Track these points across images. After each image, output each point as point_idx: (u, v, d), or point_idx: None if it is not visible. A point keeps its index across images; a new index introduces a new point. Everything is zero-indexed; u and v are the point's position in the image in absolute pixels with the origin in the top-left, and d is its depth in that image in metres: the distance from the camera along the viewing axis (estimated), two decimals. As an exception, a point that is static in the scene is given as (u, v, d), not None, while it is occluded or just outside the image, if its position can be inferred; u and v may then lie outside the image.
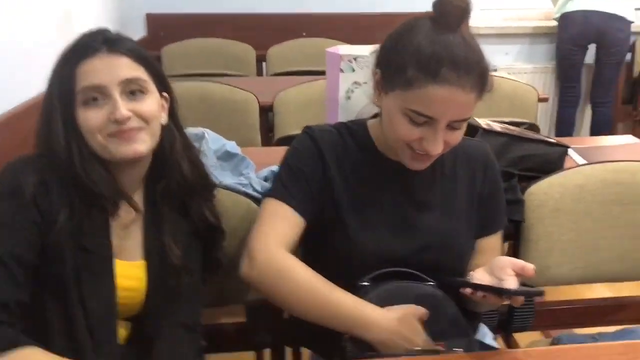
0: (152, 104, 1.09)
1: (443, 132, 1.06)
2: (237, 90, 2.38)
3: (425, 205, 1.20)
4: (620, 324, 1.63)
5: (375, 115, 1.24)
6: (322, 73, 2.88)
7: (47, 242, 1.03)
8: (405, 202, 1.20)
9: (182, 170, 1.17)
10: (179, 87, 2.31)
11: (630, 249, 1.50)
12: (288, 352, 1.54)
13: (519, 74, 3.66)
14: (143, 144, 1.08)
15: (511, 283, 0.99)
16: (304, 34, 3.64)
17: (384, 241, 1.17)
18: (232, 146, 1.54)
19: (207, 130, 1.60)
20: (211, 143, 1.53)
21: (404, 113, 1.07)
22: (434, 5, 1.07)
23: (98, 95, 1.04)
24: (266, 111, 2.45)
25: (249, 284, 1.17)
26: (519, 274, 1.01)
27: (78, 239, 1.05)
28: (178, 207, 1.19)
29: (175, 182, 1.17)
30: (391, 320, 1.06)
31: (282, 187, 1.19)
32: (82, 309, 1.05)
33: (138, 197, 1.16)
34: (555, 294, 1.82)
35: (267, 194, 1.21)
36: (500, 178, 1.28)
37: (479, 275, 1.08)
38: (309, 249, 1.26)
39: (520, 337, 1.54)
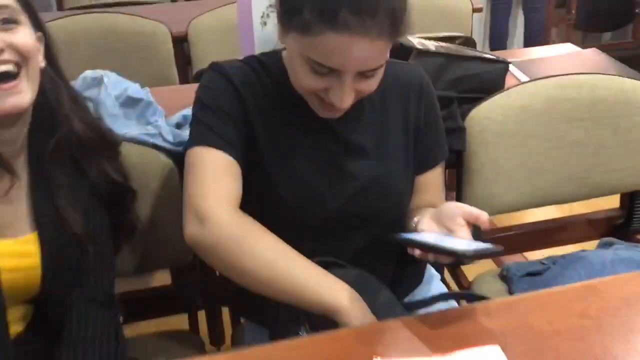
0: (27, 36, 0.92)
1: (352, 84, 0.91)
2: (144, 20, 2.12)
3: (354, 145, 1.05)
4: (569, 244, 1.60)
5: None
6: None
7: None
8: (331, 144, 1.05)
9: (73, 125, 0.99)
10: (77, 21, 2.10)
11: (577, 168, 1.42)
12: (225, 312, 1.43)
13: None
14: (24, 94, 0.91)
15: (463, 234, 0.89)
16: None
17: (312, 192, 1.03)
18: (135, 90, 1.34)
19: (107, 72, 1.39)
20: (111, 88, 1.33)
21: (305, 61, 0.90)
22: None
23: None
24: (181, 42, 2.21)
25: (196, 248, 0.97)
26: (471, 224, 0.90)
27: None
28: (72, 167, 1.01)
29: (67, 139, 0.99)
30: (361, 307, 0.91)
31: (207, 130, 0.99)
32: None
33: (20, 160, 0.98)
34: (504, 220, 1.77)
35: (193, 140, 1.01)
36: (437, 105, 1.13)
37: (426, 226, 0.96)
38: None
39: (468, 269, 1.48)
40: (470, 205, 0.93)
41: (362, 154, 1.05)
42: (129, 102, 1.31)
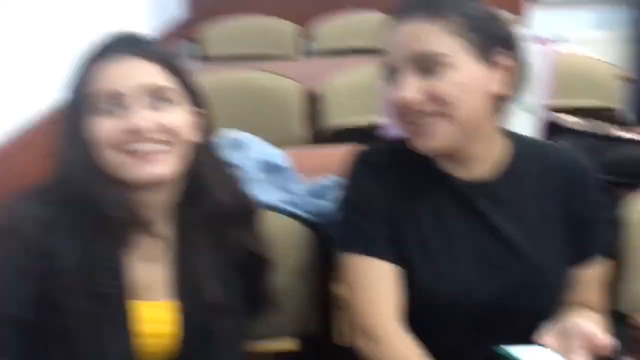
0: (179, 116, 0.93)
1: (414, 78, 0.91)
2: (279, 78, 2.19)
3: (505, 232, 0.99)
4: None
5: None
6: (373, 51, 2.71)
7: (47, 291, 0.89)
8: (480, 231, 0.99)
9: (220, 197, 1.00)
10: (216, 78, 2.20)
11: None
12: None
13: (590, 43, 3.32)
14: (164, 165, 0.91)
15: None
16: (348, 5, 3.40)
17: (459, 286, 0.97)
18: (276, 156, 1.35)
19: (250, 135, 1.42)
20: (254, 152, 1.35)
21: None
22: None
23: (114, 103, 0.89)
24: (314, 100, 2.24)
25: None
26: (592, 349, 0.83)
27: (87, 281, 0.90)
28: (215, 237, 1.03)
29: (213, 209, 1.00)
30: None
31: (360, 236, 1.00)
32: None
33: (166, 226, 1.00)
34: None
35: (347, 245, 1.01)
36: (598, 193, 1.05)
37: (548, 339, 0.89)
38: None
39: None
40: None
41: (515, 245, 0.99)
42: (270, 168, 1.33)
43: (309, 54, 3.23)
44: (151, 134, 0.89)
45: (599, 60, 2.29)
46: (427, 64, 0.90)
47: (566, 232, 1.02)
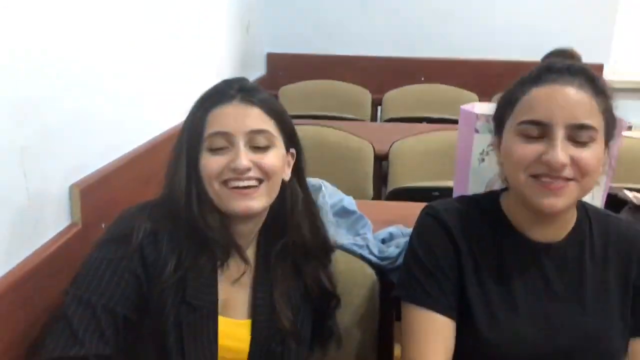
0: (276, 158, 1.04)
1: (564, 143, 0.93)
2: (352, 137, 2.31)
3: (569, 296, 1.03)
4: None
5: (505, 189, 1.09)
6: (441, 121, 2.83)
7: (148, 295, 0.99)
8: (544, 292, 1.03)
9: (302, 232, 1.11)
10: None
11: None
12: None
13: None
14: (258, 201, 1.03)
15: None
16: (422, 78, 3.55)
17: (518, 341, 1.01)
18: (349, 202, 1.45)
19: (325, 182, 1.53)
20: (328, 197, 1.46)
21: (517, 133, 0.98)
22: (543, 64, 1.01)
23: (224, 142, 1.01)
24: (380, 160, 2.35)
25: None
26: None
27: (183, 293, 1.00)
28: (292, 268, 1.12)
29: (294, 243, 1.11)
30: None
31: (421, 290, 1.05)
32: None
33: (250, 252, 1.10)
34: None
35: (407, 295, 1.07)
36: None
37: None
38: None
39: None
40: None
41: (576, 305, 1.03)
42: (342, 213, 1.43)
43: (380, 120, 3.38)
44: (250, 173, 1.01)
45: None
46: (580, 134, 0.94)
47: (625, 302, 1.05)
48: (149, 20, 1.60)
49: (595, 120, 0.95)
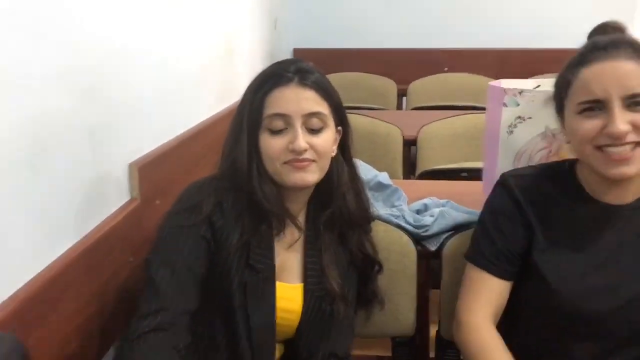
0: (328, 139, 1.12)
1: (622, 113, 0.99)
2: (381, 122, 2.40)
3: (636, 257, 1.09)
4: None
5: None
6: (464, 108, 2.88)
7: (216, 259, 1.09)
8: (616, 249, 1.10)
9: (347, 202, 1.18)
10: None
11: None
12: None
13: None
14: (313, 175, 1.11)
15: None
16: (446, 69, 3.62)
17: (589, 293, 1.08)
18: (384, 177, 1.54)
19: (359, 160, 1.61)
20: (363, 173, 1.54)
21: (577, 113, 1.04)
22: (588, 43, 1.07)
23: (282, 124, 1.08)
24: (409, 144, 2.43)
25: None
26: None
27: (247, 256, 1.09)
28: (339, 235, 1.21)
29: (340, 212, 1.18)
30: None
31: (480, 253, 1.17)
32: (245, 326, 1.09)
33: (300, 219, 1.19)
34: None
35: (468, 258, 1.19)
36: None
37: None
38: None
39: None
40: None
41: None
42: (378, 187, 1.51)
43: (406, 109, 3.46)
44: (306, 155, 1.08)
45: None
46: (636, 102, 1.00)
47: None
48: (195, 18, 1.71)
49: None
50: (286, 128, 1.09)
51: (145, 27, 1.38)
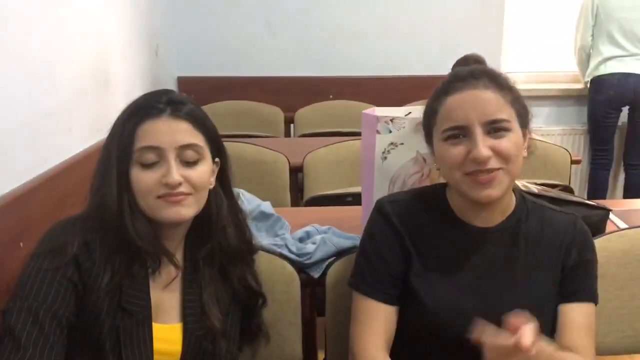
0: (204, 171, 1.09)
1: (483, 138, 1.06)
2: (267, 150, 2.40)
3: (505, 275, 1.15)
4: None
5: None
6: (350, 134, 2.96)
7: (85, 303, 1.02)
8: (484, 272, 1.15)
9: (227, 236, 1.16)
10: None
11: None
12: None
13: (549, 135, 3.65)
14: (189, 209, 1.08)
15: None
16: (331, 96, 3.70)
17: (458, 314, 1.12)
18: (267, 207, 1.53)
19: (242, 190, 1.60)
20: (246, 204, 1.53)
21: (444, 140, 1.10)
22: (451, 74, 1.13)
23: (154, 156, 1.04)
24: (295, 172, 2.45)
25: None
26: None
27: (118, 299, 1.04)
28: (220, 271, 1.18)
29: (220, 246, 1.16)
30: None
31: (364, 281, 1.18)
32: None
33: (178, 256, 1.14)
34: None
35: (353, 283, 1.20)
36: (593, 255, 1.21)
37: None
38: None
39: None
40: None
41: (512, 284, 1.15)
42: (261, 217, 1.50)
43: (294, 136, 3.49)
44: (181, 188, 1.05)
45: (554, 145, 2.56)
46: (495, 127, 1.07)
47: (554, 279, 1.17)
48: (64, 47, 1.62)
49: (506, 112, 1.08)
50: (158, 161, 1.05)
51: (6, 55, 1.29)
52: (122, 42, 2.40)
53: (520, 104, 1.12)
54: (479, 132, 1.06)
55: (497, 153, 1.06)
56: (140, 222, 1.06)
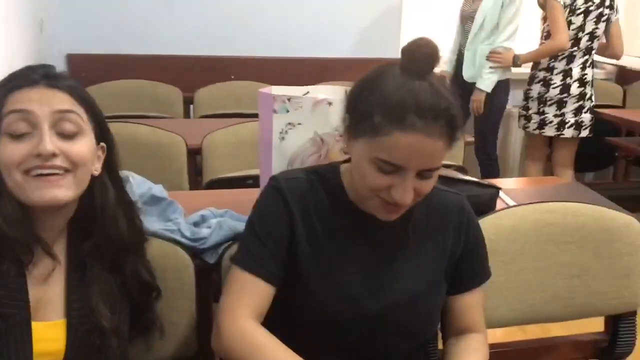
0: (84, 146, 1.00)
1: (412, 182, 1.01)
2: (163, 132, 2.30)
3: (394, 261, 1.15)
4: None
5: (348, 160, 1.16)
6: (252, 115, 2.87)
7: None
8: (373, 258, 1.14)
9: (117, 228, 1.08)
10: None
11: (564, 288, 1.51)
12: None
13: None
14: (67, 191, 0.98)
15: None
16: (233, 77, 3.62)
17: (345, 298, 1.11)
18: (158, 190, 1.45)
19: (132, 173, 1.51)
20: (136, 187, 1.44)
21: (372, 161, 1.01)
22: (402, 52, 1.01)
23: (26, 127, 0.94)
24: (194, 154, 2.37)
25: (217, 355, 1.10)
26: None
27: None
28: (109, 263, 1.09)
29: (108, 240, 1.07)
30: None
31: (247, 254, 1.11)
32: None
33: (59, 248, 1.05)
34: (490, 337, 1.81)
35: (234, 260, 1.13)
36: (479, 233, 1.23)
37: None
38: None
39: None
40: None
41: (400, 269, 1.15)
42: (152, 201, 1.42)
43: (193, 117, 3.38)
44: (56, 161, 0.95)
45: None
46: (427, 173, 1.01)
47: (446, 264, 1.18)
48: None
49: (442, 159, 1.01)
50: (30, 132, 0.95)
51: None
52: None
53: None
54: (412, 176, 1.00)
55: (419, 194, 1.04)
56: (9, 204, 0.96)
